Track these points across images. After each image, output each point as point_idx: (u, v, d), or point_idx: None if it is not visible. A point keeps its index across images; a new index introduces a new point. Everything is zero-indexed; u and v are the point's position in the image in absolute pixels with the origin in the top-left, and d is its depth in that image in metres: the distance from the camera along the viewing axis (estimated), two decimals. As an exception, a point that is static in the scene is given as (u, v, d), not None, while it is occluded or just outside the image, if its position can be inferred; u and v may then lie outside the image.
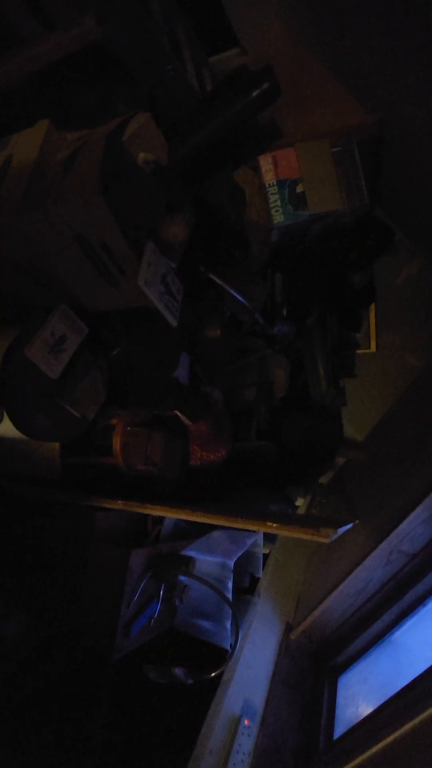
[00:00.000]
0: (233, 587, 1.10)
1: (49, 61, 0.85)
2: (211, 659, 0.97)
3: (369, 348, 1.94)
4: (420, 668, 0.85)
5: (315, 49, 1.41)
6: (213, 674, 0.86)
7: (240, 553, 1.06)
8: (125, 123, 0.75)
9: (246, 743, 0.87)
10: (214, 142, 1.11)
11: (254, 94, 1.09)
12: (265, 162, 1.27)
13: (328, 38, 1.30)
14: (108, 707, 0.85)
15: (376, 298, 1.83)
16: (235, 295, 1.14)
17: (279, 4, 1.34)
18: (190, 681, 0.84)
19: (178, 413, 1.13)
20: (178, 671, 0.83)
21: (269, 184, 1.27)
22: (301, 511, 1.48)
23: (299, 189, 1.27)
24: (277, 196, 1.27)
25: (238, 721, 0.89)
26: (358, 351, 1.90)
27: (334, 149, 1.32)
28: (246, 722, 0.88)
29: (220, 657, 0.97)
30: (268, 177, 1.27)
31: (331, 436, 1.73)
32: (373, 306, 1.95)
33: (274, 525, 0.74)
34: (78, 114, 1.03)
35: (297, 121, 1.40)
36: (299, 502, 1.51)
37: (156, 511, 0.86)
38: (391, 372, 1.92)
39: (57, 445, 0.98)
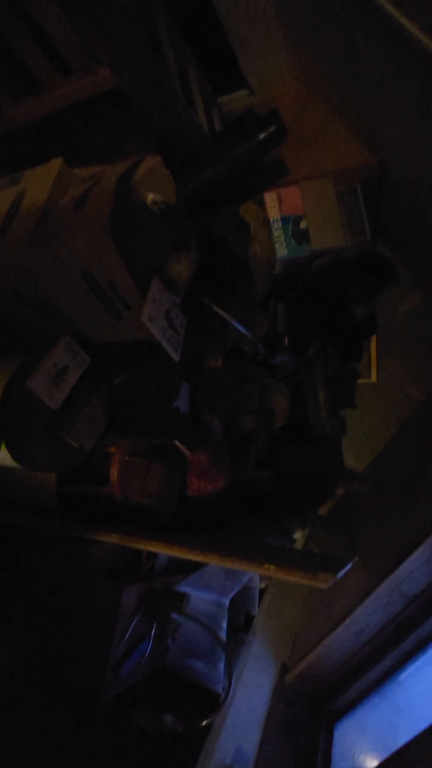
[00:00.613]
0: (228, 625, 1.06)
1: (65, 104, 0.89)
2: (203, 703, 0.93)
3: (370, 378, 1.94)
4: (421, 720, 0.81)
5: (320, 92, 1.48)
6: (204, 723, 0.82)
7: (236, 590, 1.03)
8: (136, 165, 0.78)
9: (237, 797, 0.83)
10: (222, 179, 1.15)
11: (261, 136, 1.13)
12: (270, 198, 1.31)
13: (332, 83, 1.36)
14: (95, 751, 0.81)
15: (378, 330, 1.85)
16: (238, 326, 1.15)
17: (286, 50, 1.41)
18: (180, 729, 0.81)
19: (178, 443, 1.13)
20: (167, 718, 0.80)
21: (273, 220, 1.30)
22: (298, 544, 1.45)
23: (303, 225, 1.31)
24: (281, 231, 1.30)
25: (228, 773, 0.85)
26: (359, 381, 1.91)
27: (337, 188, 1.36)
28: (237, 775, 0.84)
29: (211, 701, 0.94)
30: (273, 213, 1.30)
31: (331, 466, 1.72)
32: (374, 337, 1.96)
33: (272, 567, 0.72)
34: (90, 151, 1.07)
35: (302, 160, 1.45)
36: (297, 534, 1.48)
37: (151, 547, 0.84)
38: (391, 403, 1.92)
39: (54, 474, 0.97)
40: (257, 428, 1.55)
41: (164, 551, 0.84)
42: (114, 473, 1.01)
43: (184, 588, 0.97)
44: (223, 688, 0.94)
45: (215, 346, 1.26)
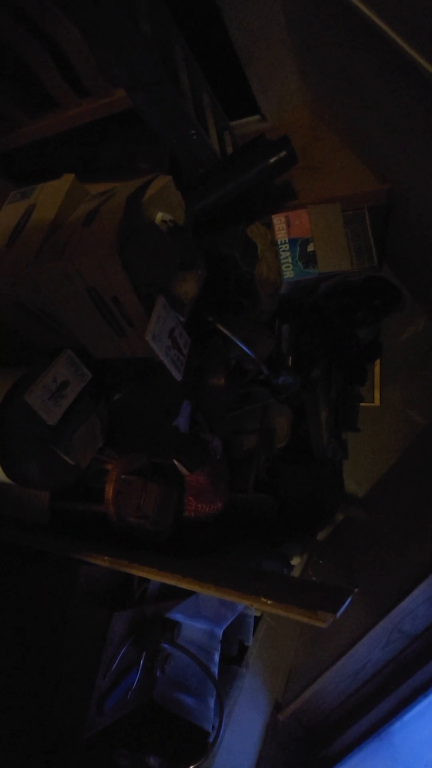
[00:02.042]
0: (220, 655, 1.02)
1: (80, 123, 0.90)
2: (191, 742, 0.88)
3: (373, 402, 1.92)
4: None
5: (330, 120, 1.51)
6: (192, 767, 0.77)
7: (230, 620, 0.99)
8: (147, 184, 0.78)
9: None
10: (230, 200, 1.16)
11: (272, 160, 1.15)
12: (279, 221, 1.32)
13: (342, 112, 1.39)
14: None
15: (382, 354, 1.84)
16: (242, 346, 1.14)
17: (299, 78, 1.44)
18: (166, 773, 0.76)
19: (176, 462, 1.10)
20: (152, 761, 0.75)
21: (281, 242, 1.31)
22: (296, 571, 1.40)
23: (310, 248, 1.31)
24: (288, 253, 1.30)
25: None
26: (362, 404, 1.89)
27: (345, 213, 1.37)
28: None
29: (200, 740, 0.88)
30: (281, 235, 1.31)
31: (331, 490, 1.68)
32: (378, 360, 1.95)
33: (269, 602, 0.69)
34: (102, 169, 1.08)
35: (311, 184, 1.47)
36: (295, 560, 1.43)
37: (143, 573, 0.81)
38: (394, 427, 1.89)
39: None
40: (257, 448, 1.52)
41: (157, 579, 0.80)
42: (110, 491, 0.98)
43: (176, 615, 0.92)
44: (213, 727, 0.89)
45: (218, 364, 1.25)
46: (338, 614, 0.67)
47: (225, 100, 1.39)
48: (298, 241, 1.30)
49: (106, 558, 0.86)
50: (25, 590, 0.96)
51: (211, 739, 0.85)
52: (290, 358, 1.50)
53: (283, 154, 1.14)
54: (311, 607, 0.66)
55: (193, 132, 1.06)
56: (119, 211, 0.70)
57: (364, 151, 1.44)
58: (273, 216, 1.32)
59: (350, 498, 1.86)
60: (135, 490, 0.99)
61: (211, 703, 0.91)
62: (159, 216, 0.77)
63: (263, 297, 1.36)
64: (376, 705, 0.98)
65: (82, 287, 0.70)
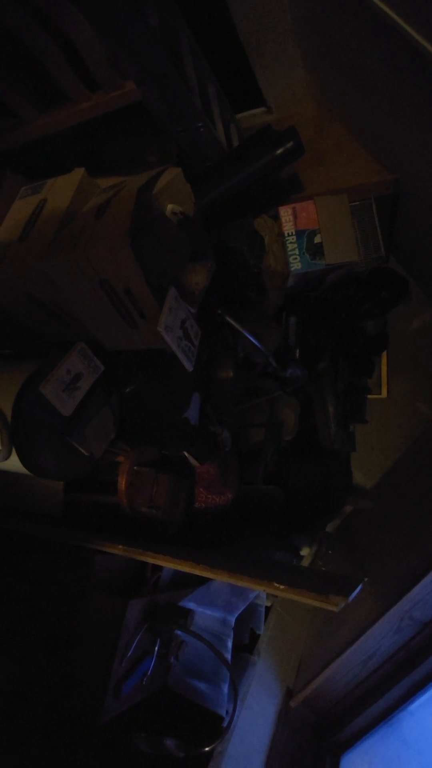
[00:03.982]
0: (232, 644, 1.03)
1: (90, 116, 0.90)
2: (206, 727, 0.90)
3: (380, 394, 1.92)
4: (430, 754, 0.77)
5: (336, 111, 1.50)
6: (207, 748, 0.79)
7: (242, 608, 1.00)
8: (157, 176, 0.78)
9: None
10: (238, 193, 1.16)
11: (278, 151, 1.14)
12: (285, 213, 1.32)
13: (348, 102, 1.38)
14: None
15: (389, 346, 1.84)
16: (250, 338, 1.15)
17: (305, 70, 1.43)
18: (182, 755, 0.77)
19: (186, 454, 1.11)
20: (169, 742, 0.76)
21: (288, 233, 1.31)
22: (306, 562, 1.41)
23: (317, 240, 1.31)
24: (295, 245, 1.30)
25: (230, 804, 0.81)
26: (369, 396, 1.89)
27: (352, 204, 1.37)
28: (239, 806, 0.80)
29: (214, 724, 0.90)
30: (288, 227, 1.31)
31: (340, 482, 1.69)
32: (385, 352, 1.95)
33: (282, 587, 0.70)
34: (112, 162, 1.09)
35: (317, 175, 1.46)
36: (304, 551, 1.45)
37: (157, 560, 0.83)
38: (401, 419, 1.89)
39: (61, 481, 0.96)
40: (266, 441, 1.53)
41: (171, 565, 0.82)
42: (122, 483, 1.00)
43: (189, 604, 0.94)
44: (227, 712, 0.91)
45: (227, 357, 1.26)
46: (350, 598, 0.68)
47: (230, 92, 1.38)
48: (305, 233, 1.30)
49: (120, 546, 0.87)
50: (41, 580, 0.98)
51: (225, 724, 0.87)
52: (297, 350, 1.50)
53: (290, 144, 1.13)
54: (323, 592, 0.67)
55: (200, 124, 1.06)
56: (130, 203, 0.70)
57: (370, 142, 1.43)
58: (280, 208, 1.31)
59: (359, 490, 1.86)
60: (147, 482, 1.00)
61: (225, 688, 0.92)
62: (169, 208, 0.78)
63: (271, 290, 1.36)
64: (387, 691, 0.99)
65: (95, 279, 0.71)
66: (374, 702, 1.01)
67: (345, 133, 1.50)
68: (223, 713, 0.90)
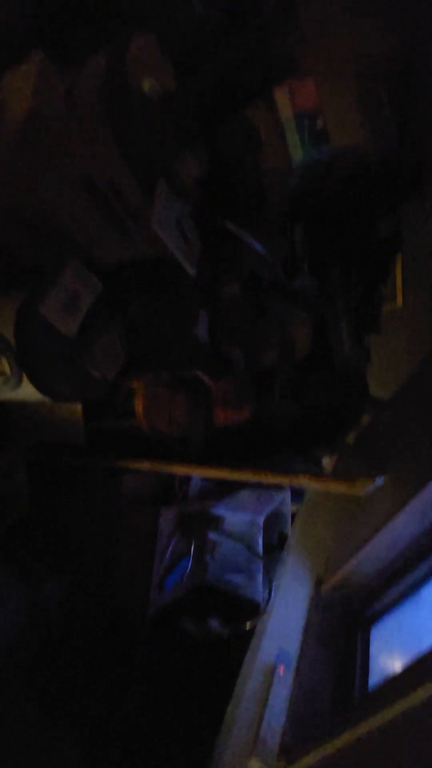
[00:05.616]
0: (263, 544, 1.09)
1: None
2: (245, 612, 0.98)
3: (395, 303, 1.83)
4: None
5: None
6: (249, 626, 0.87)
7: (269, 510, 1.05)
8: (126, 44, 0.67)
9: (282, 690, 0.89)
10: (225, 74, 1.01)
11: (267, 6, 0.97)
12: (282, 94, 1.15)
13: None
14: (147, 656, 0.87)
15: (403, 248, 1.71)
16: (255, 245, 1.07)
17: None
18: (227, 632, 0.86)
19: (200, 374, 1.10)
20: (213, 623, 0.84)
21: (286, 119, 1.15)
22: (326, 471, 1.45)
23: (319, 123, 1.16)
24: (295, 132, 1.16)
25: (273, 670, 0.91)
26: (384, 306, 1.80)
27: (357, 78, 1.19)
28: (281, 671, 0.90)
29: (253, 610, 0.98)
30: (285, 111, 1.15)
31: (356, 395, 1.68)
32: (399, 258, 1.82)
33: (308, 479, 0.71)
34: (75, 49, 0.94)
35: (317, 48, 1.25)
36: (325, 461, 1.48)
37: (183, 470, 0.85)
38: (418, 327, 1.81)
39: (80, 408, 0.97)
40: (279, 361, 1.50)
41: (196, 473, 0.84)
42: (139, 406, 1.00)
43: (218, 510, 0.98)
44: (263, 599, 0.99)
45: (231, 272, 1.19)
46: (377, 482, 0.68)
47: None
48: (305, 116, 1.15)
49: (147, 462, 0.90)
50: (79, 503, 1.03)
51: (263, 607, 0.95)
52: (306, 260, 1.41)
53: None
54: (350, 477, 0.68)
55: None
56: (99, 76, 0.61)
57: (378, 6, 1.20)
58: (275, 88, 1.15)
59: (375, 401, 1.85)
60: (164, 402, 1.00)
61: (259, 579, 1.00)
62: (147, 82, 0.68)
63: (272, 191, 1.24)
64: (413, 570, 1.05)
65: (74, 175, 0.64)
66: (400, 581, 1.08)
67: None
68: (260, 600, 0.98)
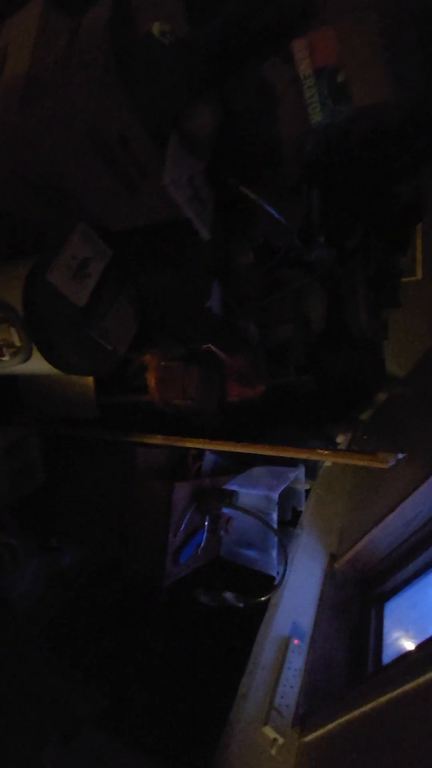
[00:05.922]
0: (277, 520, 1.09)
1: None
2: (259, 585, 0.98)
3: (415, 275, 1.75)
4: None
5: None
6: (263, 598, 0.87)
7: (283, 486, 1.03)
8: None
9: (297, 660, 0.90)
10: (244, 13, 0.94)
11: None
12: (300, 48, 1.07)
13: None
14: (161, 625, 0.88)
15: (423, 216, 1.62)
16: (269, 209, 1.02)
17: None
18: (241, 605, 0.86)
19: (213, 347, 1.07)
20: (228, 595, 0.84)
21: (305, 76, 1.08)
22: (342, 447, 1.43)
23: (340, 79, 1.08)
24: (314, 90, 1.08)
25: (288, 641, 0.91)
26: (403, 279, 1.72)
27: (381, 23, 1.09)
28: (296, 642, 0.90)
29: (267, 583, 0.98)
30: (304, 66, 1.07)
31: (372, 371, 1.63)
32: (419, 228, 1.73)
33: (326, 452, 0.68)
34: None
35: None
36: (340, 438, 1.45)
37: (197, 444, 0.83)
38: (438, 301, 1.74)
39: (91, 382, 0.95)
40: (294, 336, 1.46)
41: (211, 447, 0.82)
42: (151, 380, 0.98)
43: (232, 486, 0.97)
44: (278, 573, 0.98)
45: (245, 241, 1.14)
46: (399, 456, 0.66)
47: None
48: (325, 72, 1.07)
49: (159, 436, 0.88)
50: (93, 475, 1.03)
51: (277, 581, 0.94)
52: (323, 229, 1.34)
53: None
54: (370, 451, 0.65)
55: None
56: (103, 19, 0.56)
57: None
58: (294, 42, 1.07)
59: (392, 377, 1.80)
60: (176, 375, 0.98)
61: (274, 554, 0.99)
62: (156, 26, 0.62)
63: (288, 154, 1.17)
64: (428, 548, 1.03)
65: (81, 128, 0.60)
66: (415, 558, 1.06)
67: None
68: (274, 574, 0.98)
